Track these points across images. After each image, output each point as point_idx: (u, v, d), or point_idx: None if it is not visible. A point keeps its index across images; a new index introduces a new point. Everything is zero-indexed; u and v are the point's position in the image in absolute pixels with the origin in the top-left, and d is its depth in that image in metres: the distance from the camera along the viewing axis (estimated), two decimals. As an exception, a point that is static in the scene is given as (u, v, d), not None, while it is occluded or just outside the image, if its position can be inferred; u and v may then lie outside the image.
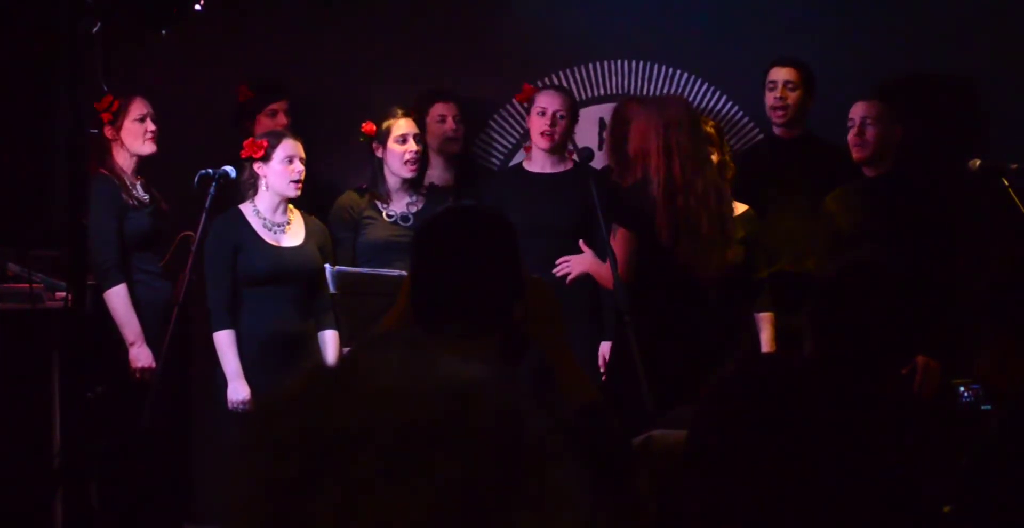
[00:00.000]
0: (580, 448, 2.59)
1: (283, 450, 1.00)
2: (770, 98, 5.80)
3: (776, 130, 5.86)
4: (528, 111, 5.78)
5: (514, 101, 6.28)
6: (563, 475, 1.03)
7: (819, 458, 2.51)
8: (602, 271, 5.06)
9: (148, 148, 5.58)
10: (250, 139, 5.50)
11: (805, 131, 5.84)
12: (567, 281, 5.13)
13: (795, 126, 5.82)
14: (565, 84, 6.32)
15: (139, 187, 5.61)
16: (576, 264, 5.16)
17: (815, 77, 5.80)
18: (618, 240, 5.02)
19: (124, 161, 5.58)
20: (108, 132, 5.54)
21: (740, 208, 5.54)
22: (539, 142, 5.71)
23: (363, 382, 1.03)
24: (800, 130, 5.83)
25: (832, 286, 3.11)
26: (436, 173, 6.12)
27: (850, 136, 5.46)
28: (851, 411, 2.73)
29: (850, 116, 5.48)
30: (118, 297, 5.42)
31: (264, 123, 6.02)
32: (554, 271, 5.13)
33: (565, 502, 1.02)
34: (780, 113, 5.78)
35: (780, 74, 5.77)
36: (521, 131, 6.36)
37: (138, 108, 5.57)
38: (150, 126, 5.57)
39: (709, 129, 5.53)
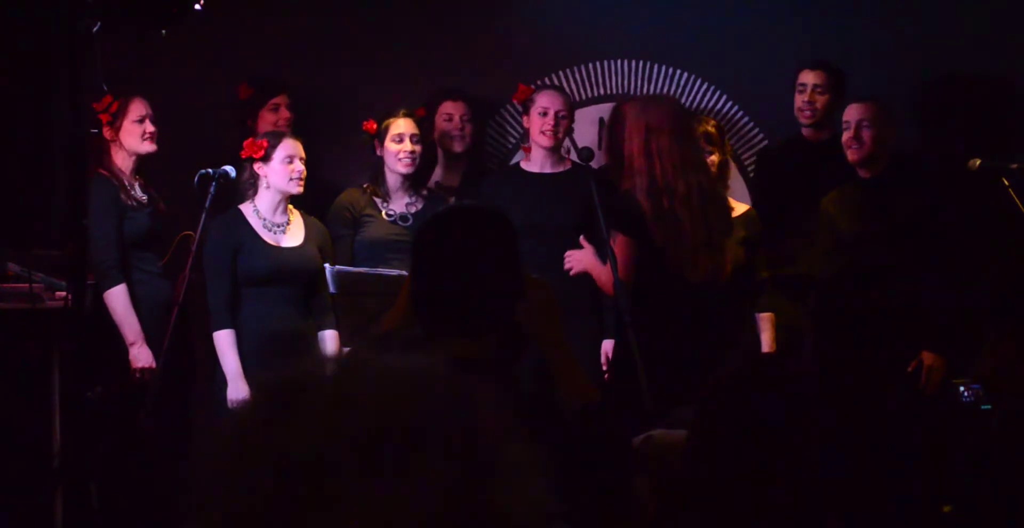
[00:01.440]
0: (533, 423, 2.60)
1: (248, 483, 1.00)
2: (798, 100, 5.83)
3: (804, 132, 5.88)
4: (526, 111, 5.77)
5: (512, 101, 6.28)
6: (519, 451, 1.03)
7: (819, 457, 2.51)
8: (602, 275, 5.05)
9: (147, 147, 5.57)
10: (250, 139, 5.49)
11: (833, 133, 5.84)
12: (571, 274, 5.12)
13: (823, 128, 5.83)
14: (565, 84, 6.33)
15: (138, 187, 5.60)
16: (577, 261, 5.15)
17: (845, 81, 5.80)
18: (618, 245, 5.01)
19: (123, 162, 5.57)
20: (107, 133, 5.53)
21: (741, 208, 5.53)
22: (541, 140, 5.71)
23: (311, 401, 1.02)
24: (828, 133, 5.84)
25: (833, 286, 3.10)
26: (443, 173, 6.14)
27: (845, 138, 5.47)
28: (851, 411, 2.73)
29: (844, 118, 5.49)
30: (117, 297, 5.42)
31: (267, 118, 6.02)
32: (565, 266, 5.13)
33: (526, 477, 1.02)
34: (807, 114, 5.81)
35: (810, 77, 5.80)
36: (521, 131, 6.36)
37: (137, 109, 5.56)
38: (149, 127, 5.56)
39: (710, 128, 5.52)
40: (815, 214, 5.63)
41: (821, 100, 5.79)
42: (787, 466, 2.56)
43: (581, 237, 5.20)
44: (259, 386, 1.08)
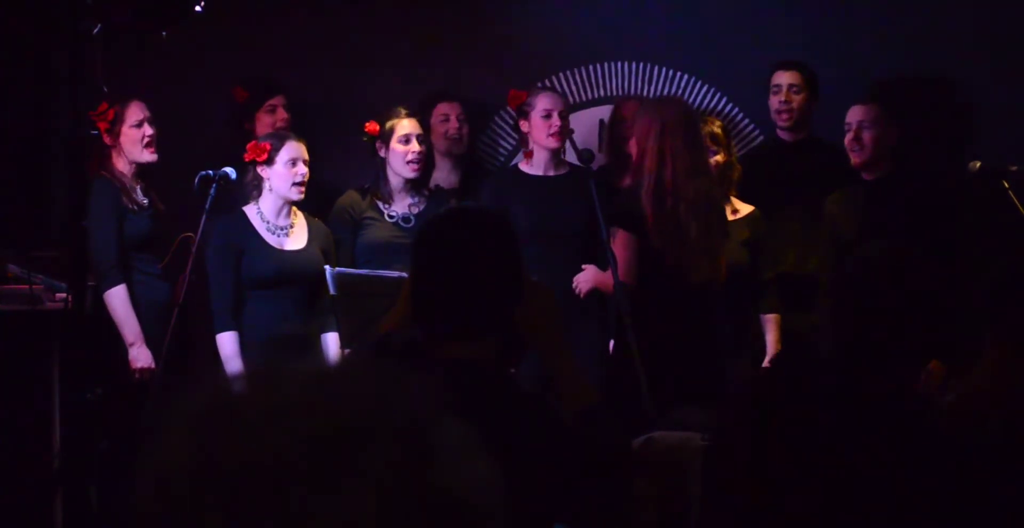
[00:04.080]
0: (534, 424, 2.58)
1: (198, 517, 0.99)
2: (774, 102, 5.81)
3: (780, 133, 5.88)
4: (523, 116, 5.72)
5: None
6: (454, 432, 1.03)
7: (854, 460, 2.48)
8: (607, 280, 5.07)
9: (148, 157, 5.55)
10: (253, 142, 5.47)
11: (809, 133, 5.85)
12: (581, 296, 5.23)
13: (800, 129, 5.83)
14: (564, 86, 6.33)
15: (139, 190, 5.59)
16: (583, 282, 5.23)
17: (818, 79, 5.81)
18: (619, 242, 5.02)
19: (124, 165, 5.56)
20: (107, 139, 5.51)
21: (745, 209, 5.52)
22: (549, 143, 5.66)
23: (236, 420, 1.01)
24: (805, 133, 5.85)
25: (857, 275, 2.92)
26: (442, 175, 6.11)
27: (847, 140, 5.47)
28: (884, 413, 2.70)
29: (847, 120, 5.49)
30: (117, 298, 5.41)
31: (264, 120, 6.01)
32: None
33: (465, 456, 1.02)
34: (785, 116, 5.80)
35: (784, 78, 5.79)
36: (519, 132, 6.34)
37: (134, 113, 5.54)
38: (148, 131, 5.54)
39: (716, 129, 5.52)
40: (798, 214, 5.65)
41: (797, 100, 5.80)
42: (821, 468, 2.54)
43: (584, 266, 5.27)
44: (174, 417, 1.04)
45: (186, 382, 1.07)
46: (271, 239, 5.42)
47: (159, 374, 5.20)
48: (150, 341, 5.40)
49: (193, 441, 1.01)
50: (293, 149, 5.39)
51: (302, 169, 5.39)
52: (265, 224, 5.42)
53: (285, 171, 5.38)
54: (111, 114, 5.49)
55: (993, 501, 2.78)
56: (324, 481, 0.97)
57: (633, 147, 5.13)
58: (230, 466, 0.98)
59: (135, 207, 5.53)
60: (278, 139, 5.45)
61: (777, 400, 2.48)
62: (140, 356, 5.40)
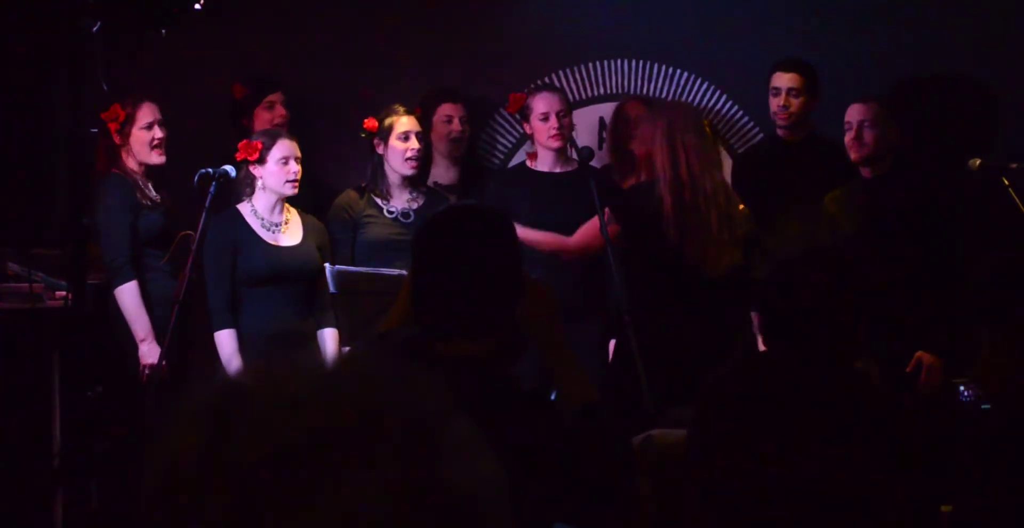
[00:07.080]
0: (534, 422, 2.59)
1: (204, 508, 0.98)
2: (774, 103, 5.79)
3: (780, 132, 5.86)
4: (525, 118, 5.73)
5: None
6: (461, 430, 1.04)
7: (819, 457, 2.50)
8: (578, 237, 5.14)
9: (156, 159, 5.56)
10: (244, 141, 5.47)
11: (809, 133, 5.83)
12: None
13: (799, 129, 5.81)
14: (564, 84, 6.32)
15: (151, 187, 5.59)
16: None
17: (819, 80, 5.79)
18: (611, 231, 5.05)
19: (135, 164, 5.56)
20: (116, 139, 5.51)
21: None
22: (550, 144, 5.66)
23: (246, 413, 1.01)
24: (804, 132, 5.83)
25: (780, 274, 3.06)
26: (440, 172, 6.11)
27: (848, 139, 5.46)
28: (851, 410, 2.72)
29: (847, 119, 5.47)
30: (129, 294, 5.40)
31: (263, 116, 6.00)
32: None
33: (473, 454, 1.03)
34: (784, 117, 5.78)
35: (783, 80, 5.75)
36: (520, 131, 6.35)
37: (145, 116, 5.54)
38: (158, 133, 5.54)
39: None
40: (797, 213, 5.64)
41: (796, 103, 5.76)
42: (787, 465, 2.56)
43: None
44: (186, 405, 1.04)
45: (186, 380, 1.07)
46: (266, 236, 5.42)
47: (159, 372, 5.20)
48: (160, 337, 5.39)
49: (202, 431, 1.01)
50: (285, 147, 5.39)
51: (294, 167, 5.39)
52: (259, 221, 5.42)
53: (277, 169, 5.38)
54: (122, 115, 5.50)
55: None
56: (329, 476, 0.97)
57: (639, 147, 5.16)
58: (237, 457, 0.99)
59: (148, 202, 5.53)
60: (269, 137, 5.45)
61: (743, 397, 2.50)
62: (150, 352, 5.38)
